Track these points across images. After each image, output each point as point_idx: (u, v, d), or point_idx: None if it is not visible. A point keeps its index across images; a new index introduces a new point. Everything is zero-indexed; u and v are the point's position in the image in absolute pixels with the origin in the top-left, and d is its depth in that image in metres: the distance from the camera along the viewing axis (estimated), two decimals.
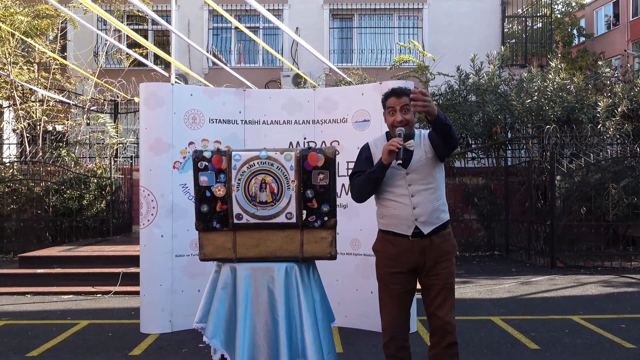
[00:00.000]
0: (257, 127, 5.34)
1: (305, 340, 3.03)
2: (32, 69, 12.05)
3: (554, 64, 10.34)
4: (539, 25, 17.41)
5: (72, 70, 12.28)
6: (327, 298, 3.30)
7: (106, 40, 12.06)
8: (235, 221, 3.13)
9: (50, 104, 11.96)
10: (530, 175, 9.51)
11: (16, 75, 11.43)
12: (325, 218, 3.14)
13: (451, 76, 10.72)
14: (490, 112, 9.81)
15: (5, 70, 11.37)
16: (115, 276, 6.98)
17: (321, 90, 5.77)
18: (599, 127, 9.52)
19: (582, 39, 27.29)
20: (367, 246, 4.39)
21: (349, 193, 4.03)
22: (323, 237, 3.16)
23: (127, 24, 14.71)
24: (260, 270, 3.12)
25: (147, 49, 11.06)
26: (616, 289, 6.96)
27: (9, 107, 12.37)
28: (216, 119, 5.24)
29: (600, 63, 12.35)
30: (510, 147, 10.80)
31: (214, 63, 13.74)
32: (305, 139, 5.29)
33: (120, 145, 11.93)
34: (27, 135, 11.68)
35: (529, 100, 9.82)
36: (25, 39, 11.01)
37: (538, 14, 17.09)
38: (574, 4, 28.68)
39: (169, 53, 9.58)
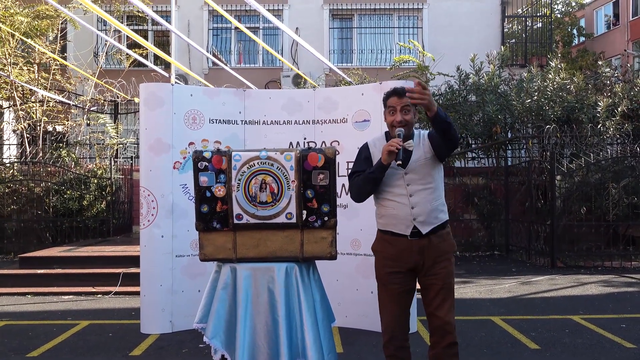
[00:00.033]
0: (257, 127, 5.34)
1: (306, 340, 3.03)
2: (32, 69, 12.06)
3: (554, 64, 10.34)
4: (539, 25, 17.41)
5: (72, 70, 12.29)
6: (327, 298, 3.30)
7: (106, 40, 12.06)
8: (236, 221, 3.14)
9: (51, 105, 11.97)
10: (530, 175, 9.51)
11: (16, 76, 11.43)
12: (326, 218, 3.14)
13: (451, 76, 10.72)
14: (490, 112, 9.81)
15: (6, 71, 11.37)
16: (115, 276, 6.98)
17: (321, 91, 5.77)
18: (599, 127, 9.52)
19: (582, 38, 27.29)
20: (368, 246, 4.37)
21: (349, 193, 4.04)
22: (323, 237, 3.17)
23: (127, 25, 14.71)
24: (260, 270, 3.12)
25: (147, 49, 11.08)
26: (616, 289, 6.96)
27: (9, 107, 12.38)
28: (216, 119, 5.24)
29: (600, 63, 12.36)
30: (510, 147, 10.80)
31: (214, 63, 13.75)
32: (305, 139, 5.29)
33: (121, 145, 11.93)
34: (27, 135, 11.68)
35: (529, 100, 9.82)
36: (25, 39, 11.02)
37: (538, 14, 17.09)
38: (574, 3, 28.69)
39: (168, 53, 9.58)
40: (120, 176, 10.75)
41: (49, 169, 10.29)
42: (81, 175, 10.30)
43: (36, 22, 11.59)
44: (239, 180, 3.12)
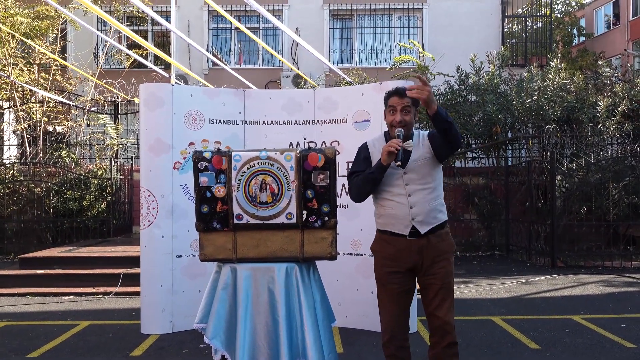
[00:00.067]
0: (257, 127, 5.34)
1: (306, 341, 3.03)
2: (32, 70, 12.05)
3: (554, 64, 10.34)
4: (539, 25, 17.41)
5: (72, 71, 12.29)
6: (327, 298, 3.30)
7: (106, 41, 12.07)
8: (236, 222, 3.14)
9: (51, 105, 11.97)
10: (530, 175, 9.51)
11: (16, 77, 11.43)
12: (326, 218, 3.14)
13: (451, 76, 10.72)
14: (490, 112, 9.81)
15: (6, 72, 11.37)
16: (115, 277, 6.99)
17: (321, 91, 5.77)
18: (599, 126, 9.52)
19: (582, 38, 27.29)
20: (368, 246, 4.35)
21: (349, 193, 4.04)
22: (323, 238, 3.17)
23: (127, 25, 14.71)
24: (260, 270, 3.12)
25: (147, 49, 11.08)
26: (617, 289, 6.96)
27: (9, 108, 12.38)
28: (216, 120, 5.24)
29: (600, 63, 12.35)
30: (510, 147, 10.80)
31: (214, 63, 13.76)
32: (305, 139, 5.29)
33: (121, 146, 11.94)
34: (28, 136, 11.68)
35: (529, 100, 9.82)
36: (25, 40, 11.02)
37: (538, 14, 17.09)
38: (574, 3, 28.69)
39: (168, 54, 9.58)
40: (121, 176, 10.75)
41: (49, 170, 10.29)
42: (81, 175, 10.30)
43: (36, 23, 11.59)
44: (239, 180, 3.12)
